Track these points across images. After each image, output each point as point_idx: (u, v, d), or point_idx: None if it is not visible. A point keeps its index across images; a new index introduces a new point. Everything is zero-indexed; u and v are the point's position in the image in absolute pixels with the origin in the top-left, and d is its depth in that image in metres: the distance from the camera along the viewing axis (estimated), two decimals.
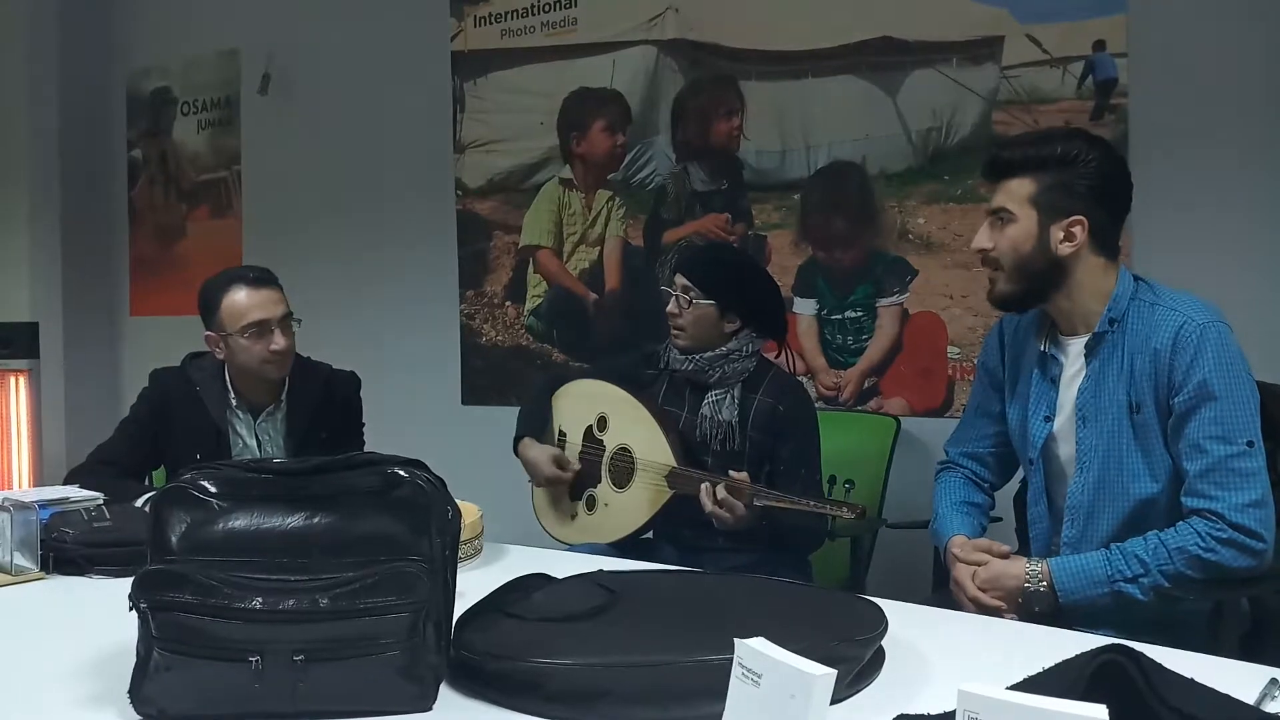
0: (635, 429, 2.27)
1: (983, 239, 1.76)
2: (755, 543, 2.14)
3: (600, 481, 2.31)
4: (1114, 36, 2.60)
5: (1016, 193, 1.72)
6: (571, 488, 2.35)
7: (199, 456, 2.20)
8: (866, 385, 2.98)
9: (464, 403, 3.73)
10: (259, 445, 2.31)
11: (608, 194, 3.42)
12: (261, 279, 2.29)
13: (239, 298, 2.25)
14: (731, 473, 2.06)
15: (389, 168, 3.88)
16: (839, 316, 3.02)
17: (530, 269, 3.60)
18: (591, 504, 2.32)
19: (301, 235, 4.04)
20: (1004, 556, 1.73)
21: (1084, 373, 1.74)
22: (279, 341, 2.24)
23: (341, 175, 4.00)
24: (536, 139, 3.55)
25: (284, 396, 2.34)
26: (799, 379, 2.43)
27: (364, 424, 2.46)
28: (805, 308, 3.07)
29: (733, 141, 3.17)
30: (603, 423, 2.33)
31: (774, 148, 3.10)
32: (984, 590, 1.70)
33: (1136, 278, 1.76)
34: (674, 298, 2.26)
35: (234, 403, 2.32)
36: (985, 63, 2.77)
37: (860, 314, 2.99)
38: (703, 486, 2.07)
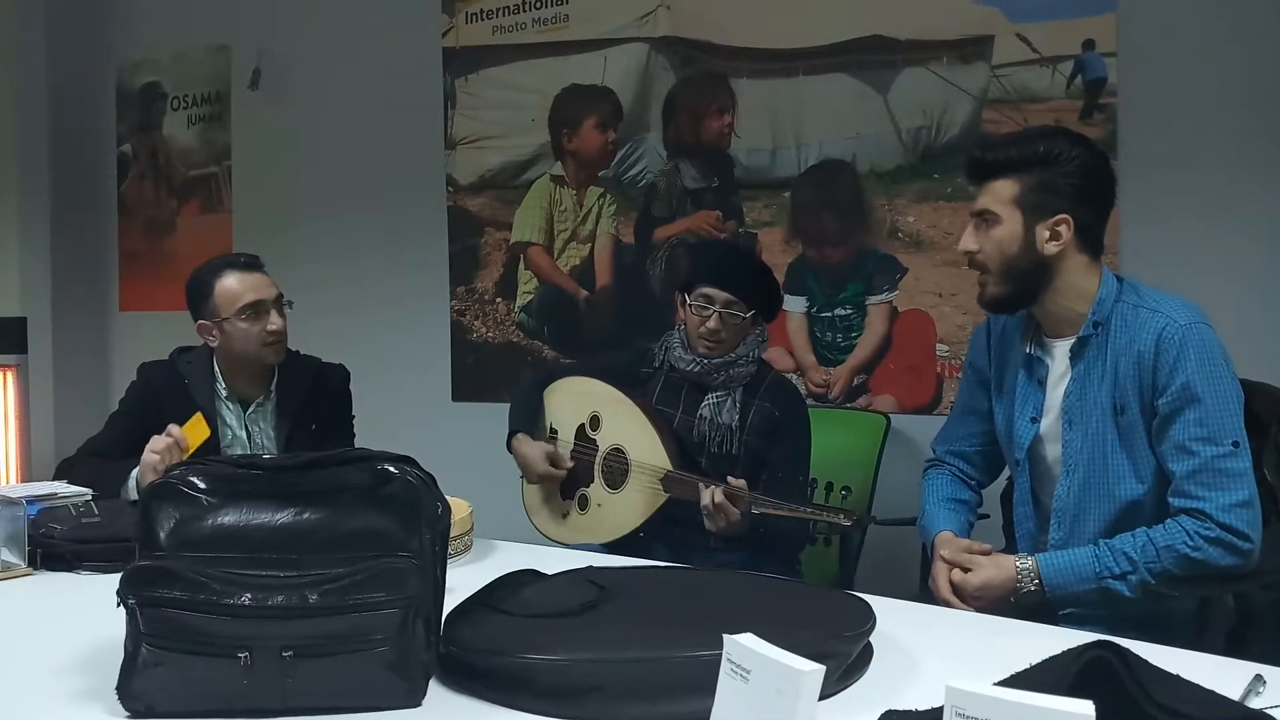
0: (629, 429, 2.26)
1: (968, 241, 1.76)
2: (738, 540, 2.14)
3: (593, 481, 2.31)
4: (1104, 36, 2.61)
5: (1000, 194, 1.72)
6: (563, 486, 2.34)
7: None
8: (856, 383, 2.98)
9: (454, 399, 3.73)
10: (249, 437, 2.31)
11: (599, 191, 3.42)
12: (251, 264, 2.30)
13: (231, 282, 2.25)
14: (730, 479, 2.04)
15: (380, 163, 3.87)
16: (829, 314, 3.03)
17: (521, 265, 3.60)
18: (584, 503, 2.32)
19: (292, 231, 4.03)
20: (985, 554, 1.73)
21: (1069, 375, 1.75)
22: (275, 322, 2.24)
23: (333, 171, 3.99)
24: (528, 135, 3.55)
25: (274, 388, 2.33)
26: (793, 382, 2.43)
27: (354, 416, 2.46)
28: (795, 305, 3.07)
29: (724, 139, 3.17)
30: (595, 421, 2.33)
31: (765, 145, 3.10)
32: (976, 597, 1.70)
33: (1119, 278, 1.76)
34: (715, 314, 2.17)
35: (223, 394, 2.31)
36: (975, 61, 2.78)
37: (850, 312, 2.99)
38: (702, 485, 2.06)
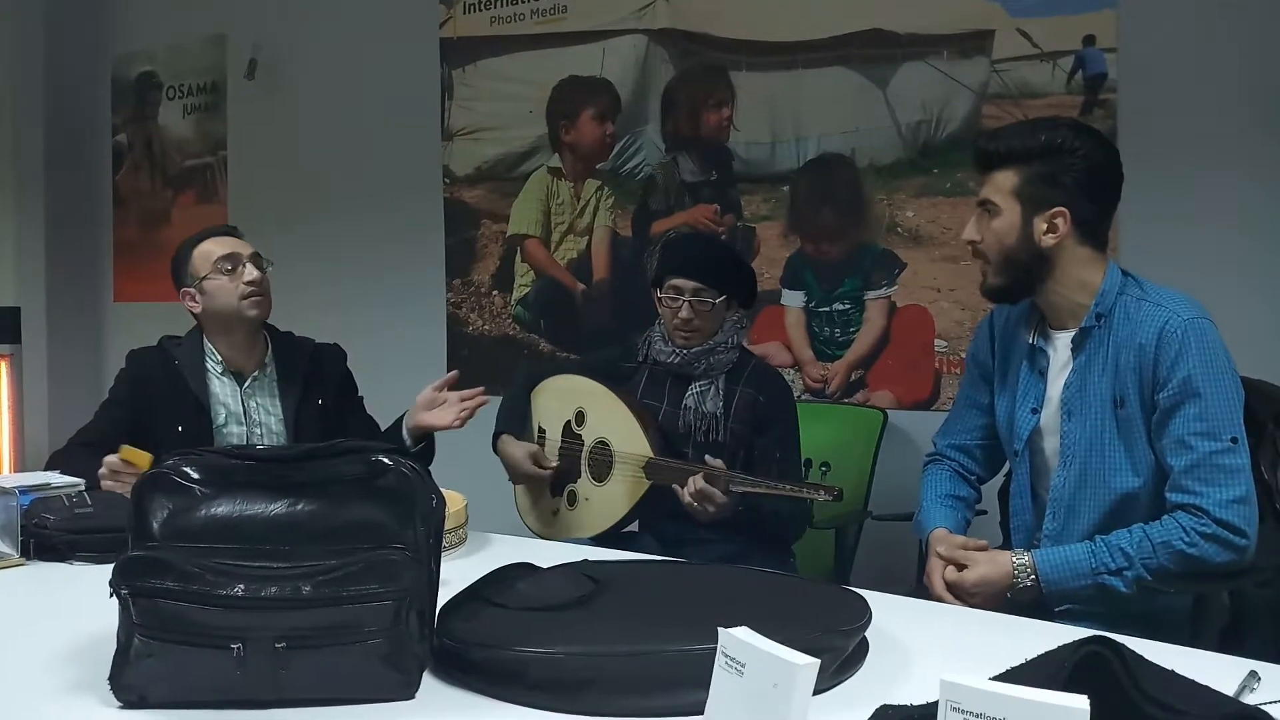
0: (613, 422, 2.26)
1: (971, 231, 1.77)
2: (736, 531, 2.14)
3: (580, 476, 2.31)
4: (1104, 31, 2.61)
5: (1001, 185, 1.72)
6: (552, 484, 2.34)
7: (180, 429, 2.19)
8: (853, 378, 2.98)
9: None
10: (245, 412, 2.28)
11: (596, 183, 3.42)
12: (226, 231, 2.34)
13: (207, 245, 2.28)
14: (707, 458, 2.06)
15: (376, 154, 3.86)
16: (827, 309, 3.02)
17: (518, 258, 3.59)
18: (572, 499, 2.32)
19: (288, 221, 4.02)
20: (981, 550, 1.73)
21: (1070, 366, 1.75)
22: (252, 273, 2.24)
23: (329, 162, 3.98)
24: (525, 127, 3.54)
25: (269, 359, 2.31)
26: (778, 370, 2.43)
27: (362, 396, 2.45)
28: (793, 300, 3.07)
29: (722, 132, 3.16)
30: (580, 417, 2.33)
31: (764, 139, 3.09)
32: (972, 594, 1.70)
33: (1124, 272, 1.76)
34: (686, 303, 2.20)
35: (217, 370, 2.28)
36: (975, 56, 2.78)
37: (848, 306, 2.99)
38: (677, 489, 2.07)
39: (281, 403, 2.29)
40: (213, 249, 2.26)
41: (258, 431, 2.27)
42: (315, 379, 2.33)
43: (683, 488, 2.06)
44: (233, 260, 2.23)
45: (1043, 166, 1.69)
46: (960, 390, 2.01)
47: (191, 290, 2.26)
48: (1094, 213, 1.72)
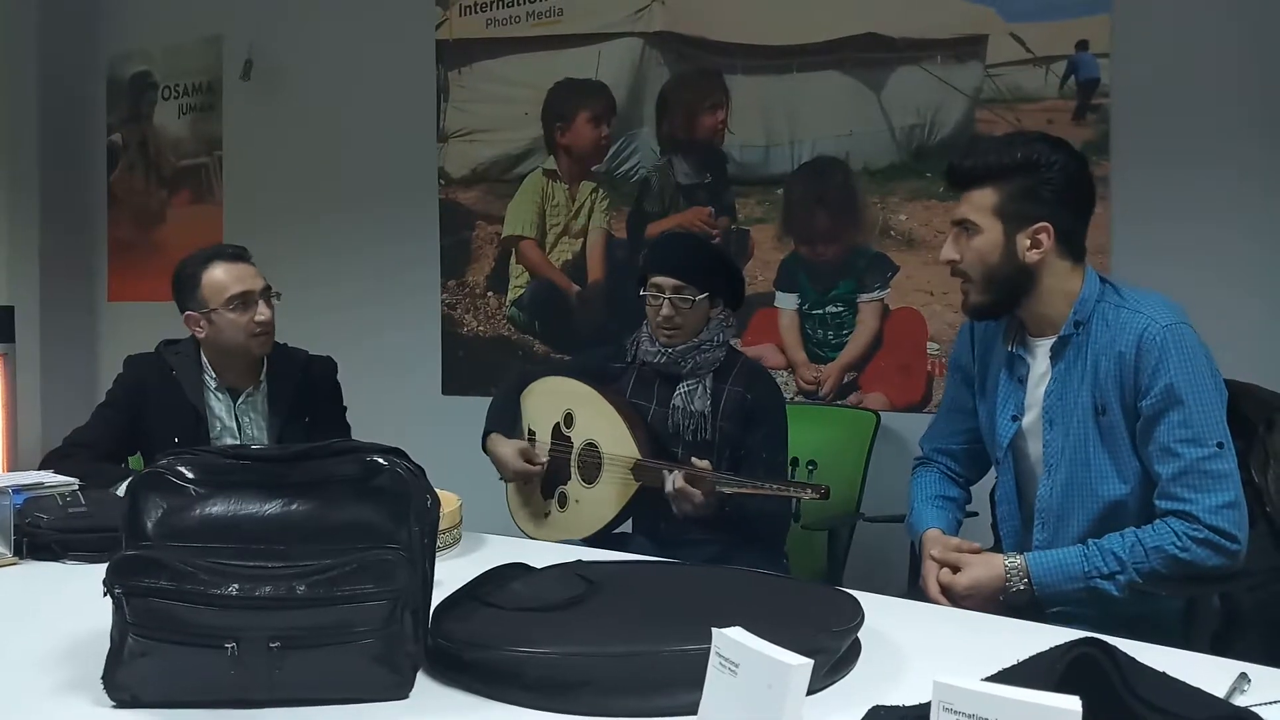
0: (601, 423, 2.27)
1: (949, 251, 1.76)
2: (722, 530, 2.15)
3: (570, 478, 2.31)
4: (1097, 36, 2.62)
5: (980, 204, 1.71)
6: (543, 485, 2.35)
7: (176, 440, 2.19)
8: (846, 380, 2.99)
9: (444, 393, 3.72)
10: (239, 427, 2.30)
11: (591, 185, 3.42)
12: (238, 254, 2.31)
13: (219, 273, 2.25)
14: (694, 460, 2.06)
15: (372, 156, 3.86)
16: (820, 311, 3.03)
17: (513, 259, 3.59)
18: (563, 501, 2.32)
19: (283, 222, 4.02)
20: (975, 552, 1.74)
21: (1050, 374, 1.75)
22: (263, 313, 2.24)
23: (324, 162, 3.97)
24: (521, 129, 3.54)
25: (263, 378, 2.32)
26: (767, 369, 2.44)
27: (345, 408, 2.45)
28: (787, 302, 3.08)
29: (717, 135, 3.17)
30: (569, 419, 2.34)
31: (758, 142, 3.10)
32: (965, 596, 1.70)
33: (1102, 279, 1.76)
34: (666, 301, 2.21)
35: (212, 385, 2.30)
36: (969, 61, 2.78)
37: (841, 309, 3.00)
38: (665, 473, 2.08)
39: (269, 421, 2.30)
40: (225, 282, 2.24)
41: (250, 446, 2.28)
42: (305, 396, 2.34)
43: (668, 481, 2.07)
44: (246, 299, 2.23)
45: (1022, 182, 1.69)
46: (944, 394, 2.01)
47: (197, 316, 2.26)
48: (1074, 224, 1.72)
